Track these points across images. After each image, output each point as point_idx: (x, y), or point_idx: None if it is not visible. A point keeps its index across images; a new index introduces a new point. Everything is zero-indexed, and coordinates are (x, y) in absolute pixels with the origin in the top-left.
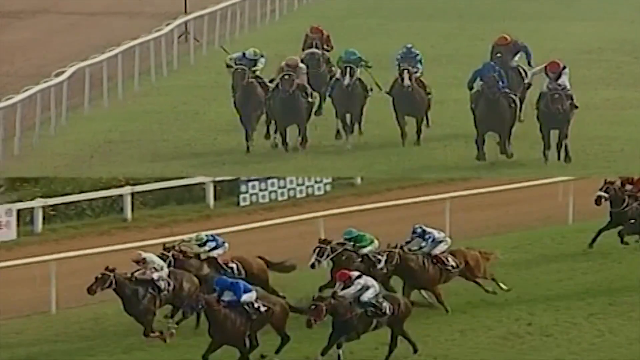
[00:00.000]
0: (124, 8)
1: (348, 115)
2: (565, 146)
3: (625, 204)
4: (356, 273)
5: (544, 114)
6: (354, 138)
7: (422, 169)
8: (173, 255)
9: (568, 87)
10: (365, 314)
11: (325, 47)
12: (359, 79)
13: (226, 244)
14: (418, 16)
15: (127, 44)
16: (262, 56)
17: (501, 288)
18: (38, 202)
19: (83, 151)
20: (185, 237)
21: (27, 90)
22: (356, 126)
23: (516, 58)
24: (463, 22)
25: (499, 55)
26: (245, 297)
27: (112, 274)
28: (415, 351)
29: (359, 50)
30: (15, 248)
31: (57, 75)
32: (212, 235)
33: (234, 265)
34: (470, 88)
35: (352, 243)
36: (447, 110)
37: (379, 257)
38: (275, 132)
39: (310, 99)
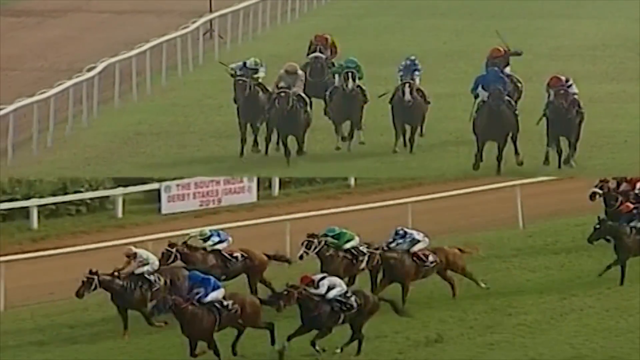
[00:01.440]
0: (152, 7)
1: (348, 122)
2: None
3: (619, 203)
4: (319, 276)
5: (551, 121)
6: (353, 144)
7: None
8: (177, 250)
9: (576, 91)
10: (332, 310)
11: (331, 54)
12: (359, 86)
13: (229, 238)
14: (431, 14)
15: (155, 40)
16: (261, 65)
17: (478, 284)
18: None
19: (113, 143)
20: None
21: (60, 84)
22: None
23: (507, 68)
24: (474, 20)
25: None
26: (211, 297)
27: (95, 277)
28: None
29: (377, 46)
30: (256, 209)
31: (89, 70)
32: (215, 231)
33: (238, 255)
34: (475, 96)
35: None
36: (458, 103)
37: (362, 251)
38: (278, 144)
39: (308, 109)
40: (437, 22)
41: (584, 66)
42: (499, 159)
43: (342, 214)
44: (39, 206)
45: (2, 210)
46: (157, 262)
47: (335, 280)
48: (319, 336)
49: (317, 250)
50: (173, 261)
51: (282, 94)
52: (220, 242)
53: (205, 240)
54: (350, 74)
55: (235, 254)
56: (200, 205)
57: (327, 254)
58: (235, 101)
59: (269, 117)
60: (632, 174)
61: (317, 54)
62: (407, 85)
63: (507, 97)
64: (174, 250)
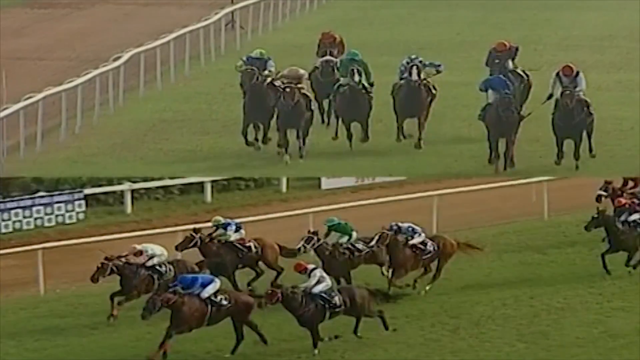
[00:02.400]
0: None
1: (354, 121)
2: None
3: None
4: (312, 265)
5: (556, 124)
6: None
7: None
8: (200, 238)
9: (584, 88)
10: (316, 307)
11: (339, 53)
12: (365, 84)
13: (242, 230)
14: (445, 6)
15: (179, 31)
16: (269, 58)
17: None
18: None
19: (139, 129)
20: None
21: (87, 73)
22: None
23: (509, 62)
24: (486, 12)
25: (497, 62)
26: (205, 292)
27: (110, 263)
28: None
29: (392, 36)
30: (405, 186)
31: (115, 60)
32: (229, 221)
33: (251, 244)
34: (480, 89)
35: (333, 230)
36: (471, 91)
37: (358, 246)
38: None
39: (312, 108)
40: (451, 13)
41: (592, 56)
42: (506, 155)
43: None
44: (212, 181)
45: (180, 185)
46: (165, 254)
47: (325, 275)
48: (315, 338)
49: (317, 245)
50: (194, 246)
51: (288, 89)
52: (236, 231)
53: (219, 229)
54: (356, 70)
55: (248, 244)
56: (356, 182)
57: (327, 249)
58: (243, 94)
59: (275, 112)
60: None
61: (328, 57)
62: (414, 67)
63: (512, 100)
64: (197, 236)
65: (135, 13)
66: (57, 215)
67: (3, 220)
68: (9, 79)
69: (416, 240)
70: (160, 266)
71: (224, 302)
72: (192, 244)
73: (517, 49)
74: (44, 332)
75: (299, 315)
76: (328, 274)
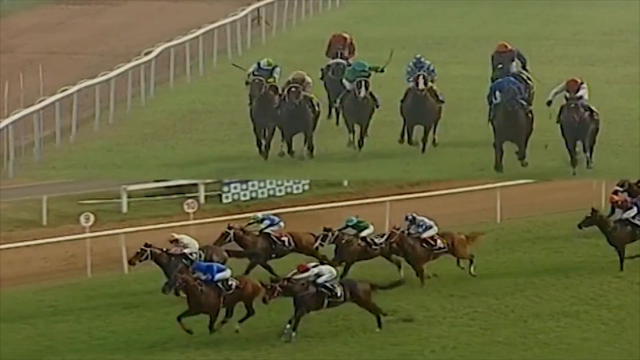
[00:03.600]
0: None
1: (357, 126)
2: (590, 152)
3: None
4: (312, 264)
5: (565, 125)
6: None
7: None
8: (234, 233)
9: (586, 98)
10: (317, 293)
11: (349, 53)
12: (371, 93)
13: (281, 223)
14: (461, 3)
15: (207, 26)
16: (276, 66)
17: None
18: None
19: (169, 120)
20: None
21: (119, 67)
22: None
23: (513, 64)
24: (500, 8)
25: (500, 66)
26: (218, 276)
27: (148, 249)
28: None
29: (411, 32)
30: None
31: (146, 54)
32: (268, 216)
33: (286, 239)
34: (490, 102)
35: (352, 227)
36: (484, 85)
37: (375, 239)
38: (282, 140)
39: (316, 109)
40: (466, 9)
41: (601, 50)
42: (520, 159)
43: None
44: None
45: None
46: (195, 245)
47: (327, 269)
48: (297, 315)
49: (332, 240)
50: (229, 241)
51: (293, 89)
52: (270, 225)
53: (258, 223)
54: (363, 82)
55: (283, 237)
56: None
57: (343, 241)
58: (249, 100)
59: (277, 114)
60: None
61: (338, 60)
62: (420, 77)
63: (522, 100)
64: (231, 232)
65: (166, 9)
66: (286, 187)
67: (242, 190)
68: (45, 72)
69: (427, 234)
70: (191, 254)
71: (234, 286)
72: (227, 239)
73: (518, 52)
74: None
75: (298, 298)
76: (343, 261)
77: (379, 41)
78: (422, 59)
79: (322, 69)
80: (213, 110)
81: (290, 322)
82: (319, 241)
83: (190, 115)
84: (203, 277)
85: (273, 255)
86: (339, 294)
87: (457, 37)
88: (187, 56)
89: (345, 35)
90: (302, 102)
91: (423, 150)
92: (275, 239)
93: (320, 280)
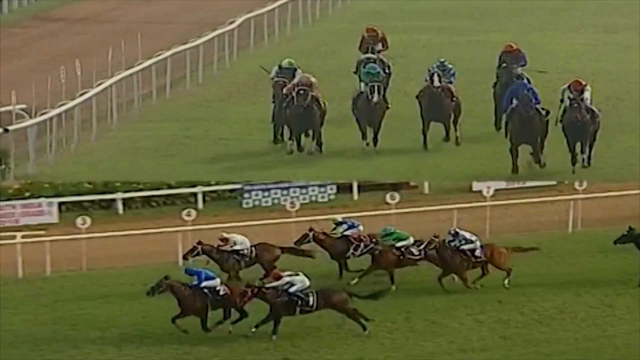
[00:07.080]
0: None
1: (369, 128)
2: (589, 152)
3: None
4: (287, 272)
5: (567, 125)
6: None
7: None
8: (314, 234)
9: (589, 100)
10: (289, 302)
11: (381, 47)
12: (384, 96)
13: (360, 226)
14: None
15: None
16: (297, 67)
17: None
18: None
19: (250, 80)
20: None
21: (207, 34)
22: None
23: (515, 66)
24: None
25: (504, 65)
26: (205, 283)
27: (200, 246)
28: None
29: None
30: None
31: (230, 24)
32: (347, 220)
33: (365, 240)
34: (504, 110)
35: (388, 238)
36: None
37: (411, 249)
38: (291, 139)
39: (323, 108)
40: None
41: (622, 20)
42: (536, 162)
43: None
44: None
45: None
46: (247, 242)
47: (300, 279)
48: (268, 319)
49: (365, 251)
50: (308, 242)
51: (301, 92)
52: (349, 228)
53: (337, 226)
54: (376, 87)
55: (362, 238)
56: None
57: (377, 252)
58: (273, 100)
59: (285, 114)
60: None
61: (369, 54)
62: (435, 74)
63: (537, 104)
64: (310, 233)
65: None
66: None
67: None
68: (142, 39)
69: (467, 247)
70: (243, 250)
71: (222, 292)
72: (307, 240)
73: (524, 56)
74: None
75: (271, 305)
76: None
77: (428, 12)
78: (446, 63)
79: (357, 62)
80: None
81: (257, 326)
82: (351, 250)
83: (268, 76)
84: (193, 283)
85: (349, 257)
86: (310, 303)
87: (498, 8)
88: (265, 25)
89: (378, 30)
90: (309, 104)
91: (451, 141)
92: (354, 240)
93: (292, 289)
